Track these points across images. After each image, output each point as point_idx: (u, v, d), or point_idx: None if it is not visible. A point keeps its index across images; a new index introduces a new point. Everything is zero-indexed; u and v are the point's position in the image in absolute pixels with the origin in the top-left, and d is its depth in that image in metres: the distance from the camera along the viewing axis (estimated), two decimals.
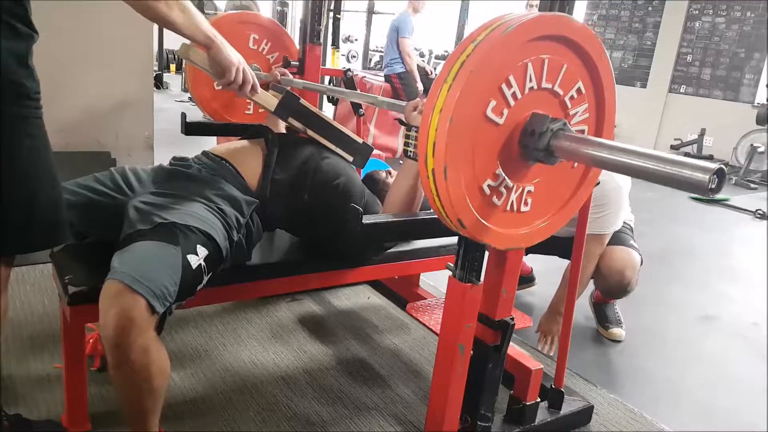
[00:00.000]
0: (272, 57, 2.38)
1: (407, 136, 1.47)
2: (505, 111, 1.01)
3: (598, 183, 1.31)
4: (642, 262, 2.20)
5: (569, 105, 1.10)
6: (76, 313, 1.35)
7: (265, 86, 1.98)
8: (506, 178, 1.06)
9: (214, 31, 1.43)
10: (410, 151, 1.46)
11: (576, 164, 1.18)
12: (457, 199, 0.99)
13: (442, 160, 0.95)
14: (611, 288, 2.22)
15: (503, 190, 1.07)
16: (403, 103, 1.55)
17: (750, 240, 4.40)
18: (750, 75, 7.49)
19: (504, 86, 0.99)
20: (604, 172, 1.95)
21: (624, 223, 2.22)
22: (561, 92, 1.08)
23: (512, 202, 1.09)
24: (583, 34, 1.06)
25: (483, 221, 1.05)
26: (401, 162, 1.58)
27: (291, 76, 2.06)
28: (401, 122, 1.54)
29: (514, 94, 1.00)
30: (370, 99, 1.89)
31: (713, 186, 0.82)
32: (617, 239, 2.15)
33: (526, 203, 1.12)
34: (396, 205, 1.59)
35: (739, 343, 2.52)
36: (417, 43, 11.08)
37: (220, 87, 1.56)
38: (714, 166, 0.82)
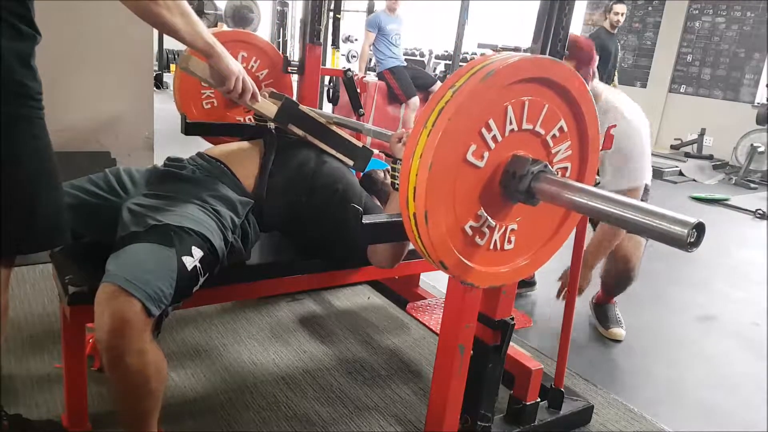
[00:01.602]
0: (261, 75, 2.38)
1: (393, 169, 1.46)
2: (486, 154, 1.00)
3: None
4: (647, 241, 2.20)
5: (551, 144, 1.10)
6: (76, 313, 1.35)
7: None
8: (488, 218, 1.06)
9: (214, 39, 1.43)
10: (397, 184, 1.46)
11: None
12: (438, 242, 0.99)
13: (423, 206, 0.95)
14: (618, 275, 2.23)
15: (486, 230, 1.06)
16: (389, 133, 1.54)
17: (750, 240, 4.40)
18: (750, 75, 7.49)
19: (484, 130, 0.99)
20: (610, 116, 1.88)
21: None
22: (542, 132, 1.07)
23: (495, 240, 1.09)
24: (565, 74, 1.05)
25: (465, 261, 1.05)
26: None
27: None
28: (387, 154, 1.53)
29: (494, 137, 1.00)
30: (357, 126, 1.89)
31: (692, 240, 0.81)
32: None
33: (509, 241, 1.11)
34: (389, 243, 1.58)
35: (739, 343, 2.52)
36: (416, 43, 11.10)
37: (219, 94, 1.55)
38: (693, 220, 0.81)
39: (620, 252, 2.18)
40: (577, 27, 9.00)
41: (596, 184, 1.52)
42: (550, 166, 1.04)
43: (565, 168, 1.15)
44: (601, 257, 2.15)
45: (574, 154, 1.15)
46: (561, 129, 1.10)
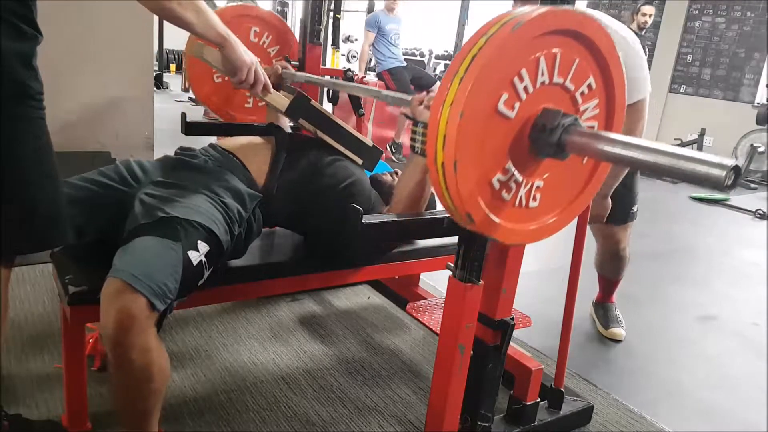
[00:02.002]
0: (273, 51, 2.37)
1: (413, 131, 1.45)
2: (517, 105, 0.99)
3: None
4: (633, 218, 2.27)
5: (580, 101, 1.09)
6: (76, 313, 1.35)
7: None
8: (516, 172, 1.05)
9: (227, 30, 1.43)
10: (417, 147, 1.45)
11: (585, 160, 1.17)
12: (466, 193, 0.98)
13: (452, 155, 0.93)
14: (611, 256, 2.27)
15: (512, 185, 1.05)
16: (408, 97, 1.53)
17: (750, 240, 4.40)
18: (750, 75, 7.49)
19: (516, 79, 0.97)
20: (617, 37, 1.88)
21: None
22: (572, 87, 1.07)
23: (521, 197, 1.08)
24: (595, 29, 1.05)
25: (492, 216, 1.04)
26: (394, 159, 1.57)
27: (292, 69, 2.05)
28: (407, 117, 1.52)
29: (525, 88, 0.99)
30: (373, 93, 1.88)
31: (729, 183, 0.81)
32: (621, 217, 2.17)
33: (534, 199, 1.10)
34: (404, 201, 1.57)
35: (739, 343, 2.52)
36: (416, 43, 11.10)
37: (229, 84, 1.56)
38: (730, 162, 0.80)
39: (608, 232, 2.24)
40: None
41: None
42: (580, 120, 1.03)
43: (592, 126, 1.14)
44: (615, 181, 2.09)
45: (601, 114, 1.14)
46: (590, 86, 1.09)
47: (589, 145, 0.98)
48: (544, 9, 0.97)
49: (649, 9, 5.43)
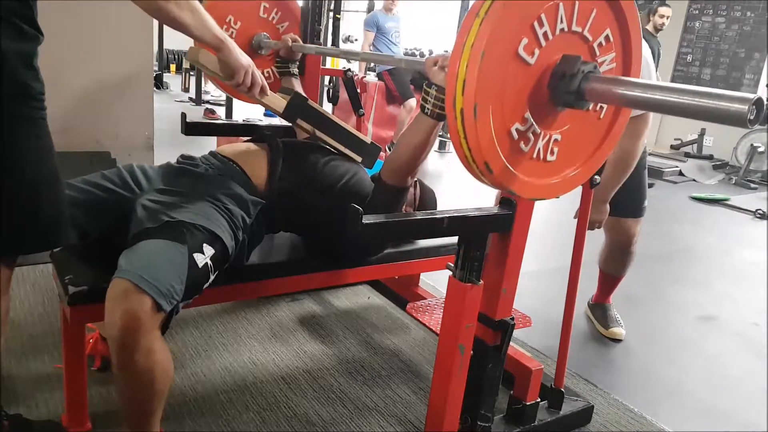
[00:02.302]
0: (282, 27, 2.37)
1: (425, 92, 1.44)
2: (536, 51, 0.98)
3: None
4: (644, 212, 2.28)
5: (597, 52, 1.08)
6: (76, 313, 1.35)
7: (275, 54, 2.03)
8: (534, 123, 1.03)
9: (223, 34, 1.43)
10: (427, 108, 1.44)
11: (603, 114, 1.16)
12: (485, 141, 0.96)
13: (472, 99, 0.91)
14: (620, 248, 2.28)
15: (531, 136, 1.04)
16: (422, 60, 1.52)
17: (750, 240, 4.40)
18: (750, 75, 7.49)
19: (536, 24, 0.96)
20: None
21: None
22: (590, 38, 1.05)
23: (539, 149, 1.06)
24: None
25: (510, 167, 1.02)
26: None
27: (301, 42, 2.04)
28: (413, 82, 1.51)
29: (545, 34, 0.98)
30: (386, 58, 1.86)
31: (752, 117, 0.80)
32: (626, 210, 2.18)
33: (552, 152, 1.09)
34: (403, 155, 1.55)
35: (739, 343, 2.52)
36: (416, 43, 11.09)
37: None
38: (752, 96, 0.79)
39: (620, 226, 2.23)
40: None
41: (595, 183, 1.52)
42: (598, 68, 1.02)
43: None
44: (616, 186, 2.06)
45: (618, 68, 1.13)
46: (607, 38, 1.08)
47: (609, 91, 0.96)
48: None
49: (666, 10, 5.37)
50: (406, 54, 7.66)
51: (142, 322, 1.12)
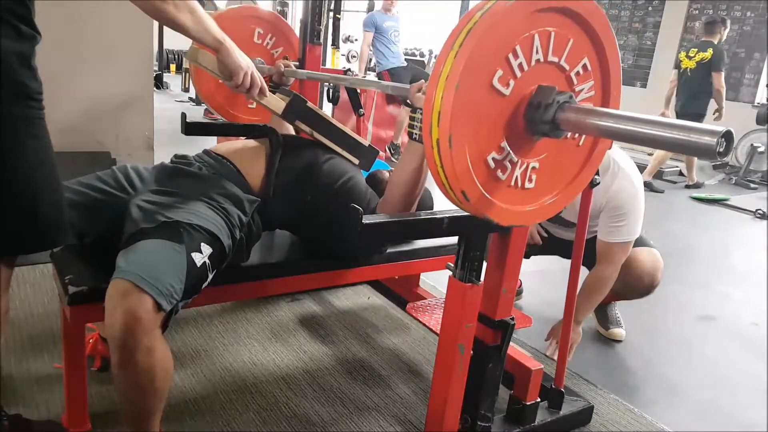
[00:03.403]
0: (276, 52, 2.39)
1: (412, 119, 1.45)
2: (512, 82, 0.99)
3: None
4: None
5: (575, 81, 1.09)
6: (76, 313, 1.35)
7: (268, 79, 2.00)
8: (511, 152, 1.04)
9: (222, 34, 1.43)
10: (415, 133, 1.45)
11: (581, 142, 1.17)
12: (461, 170, 0.97)
13: (447, 129, 0.93)
14: (641, 289, 2.21)
15: (507, 164, 1.05)
16: (407, 86, 1.54)
17: (750, 240, 4.40)
18: (750, 75, 7.49)
19: (510, 56, 0.97)
20: (620, 178, 1.96)
21: None
22: (567, 67, 1.06)
23: (516, 177, 1.07)
24: (591, 9, 1.04)
25: (487, 195, 1.03)
26: (394, 159, 1.57)
27: (294, 68, 2.06)
28: (407, 103, 1.53)
29: (520, 65, 0.99)
30: (374, 84, 1.89)
31: (721, 150, 0.81)
32: (638, 240, 2.13)
33: (530, 180, 1.10)
34: (400, 186, 1.56)
35: (739, 343, 2.52)
36: (416, 43, 11.09)
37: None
38: (721, 129, 0.81)
39: (644, 270, 2.15)
40: None
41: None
42: (574, 98, 1.03)
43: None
44: (590, 310, 2.16)
45: (597, 96, 1.14)
46: (585, 67, 1.09)
47: (583, 122, 0.98)
48: None
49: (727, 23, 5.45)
50: (405, 54, 7.65)
51: (143, 321, 1.12)
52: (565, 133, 1.04)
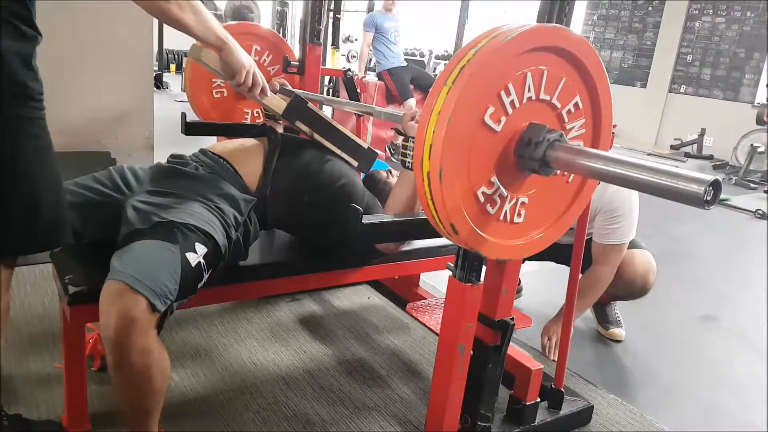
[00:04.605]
0: (273, 69, 2.39)
1: (404, 147, 1.47)
2: (503, 119, 1.01)
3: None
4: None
5: (566, 119, 1.11)
6: (76, 313, 1.35)
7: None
8: (501, 186, 1.06)
9: (225, 33, 1.43)
10: (408, 162, 1.46)
11: (571, 179, 1.19)
12: (451, 204, 0.99)
13: (438, 163, 0.95)
14: (635, 292, 2.22)
15: (497, 199, 1.07)
16: (401, 113, 1.55)
17: (750, 240, 4.40)
18: (750, 75, 7.49)
19: (503, 93, 0.99)
20: (624, 190, 1.97)
21: None
22: (559, 105, 1.08)
23: (506, 212, 1.09)
24: (583, 49, 1.06)
25: (476, 229, 1.05)
26: (393, 159, 1.58)
27: (289, 86, 2.07)
28: (398, 131, 1.54)
29: (512, 103, 1.01)
30: (367, 109, 1.91)
31: (708, 198, 0.82)
32: (631, 242, 2.15)
33: (519, 214, 1.12)
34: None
35: (739, 343, 2.52)
36: (416, 43, 11.09)
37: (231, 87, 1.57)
38: (709, 177, 0.82)
39: (638, 272, 2.16)
40: (577, 27, 9.01)
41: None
42: (565, 136, 1.04)
43: (578, 145, 1.15)
44: (583, 310, 2.19)
45: (588, 133, 1.15)
46: (576, 105, 1.10)
47: (573, 161, 0.99)
48: (534, 24, 0.98)
49: None
50: (405, 54, 7.65)
51: (138, 322, 1.12)
52: (554, 170, 1.05)
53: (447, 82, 0.95)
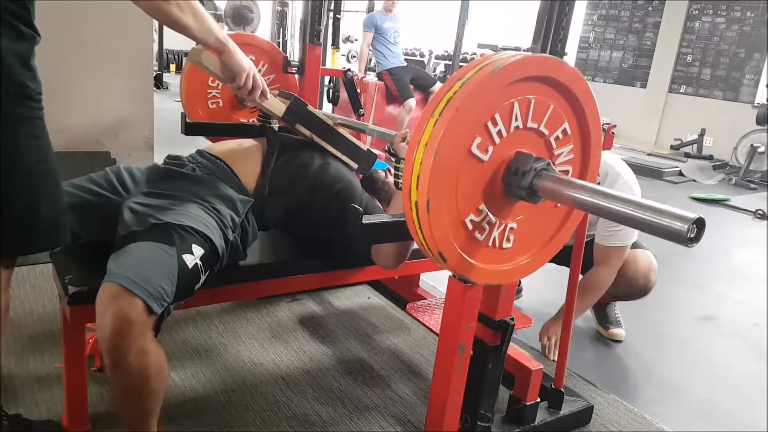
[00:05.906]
0: (269, 78, 2.40)
1: (396, 168, 1.48)
2: (490, 148, 1.02)
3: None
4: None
5: (554, 145, 1.11)
6: (76, 313, 1.35)
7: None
8: (489, 214, 1.06)
9: (225, 36, 1.43)
10: (400, 183, 1.47)
11: (559, 204, 1.19)
12: (439, 233, 1.00)
13: (425, 194, 0.96)
14: (636, 291, 2.22)
15: (486, 225, 1.07)
16: (393, 133, 1.55)
17: (750, 240, 4.40)
18: (750, 75, 7.49)
19: (489, 124, 1.00)
20: (619, 184, 1.98)
21: None
22: (546, 132, 1.09)
23: (494, 238, 1.10)
24: (571, 77, 1.06)
25: (465, 256, 1.05)
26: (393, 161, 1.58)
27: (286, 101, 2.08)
28: (390, 153, 1.55)
29: (499, 132, 1.01)
30: (361, 126, 1.91)
31: (692, 236, 0.82)
32: (633, 243, 2.15)
33: (508, 240, 1.12)
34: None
35: (739, 343, 2.52)
36: (416, 43, 11.09)
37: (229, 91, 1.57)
38: (693, 216, 0.82)
39: (639, 272, 2.16)
40: (577, 27, 9.01)
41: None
42: (552, 165, 1.05)
43: (566, 171, 1.16)
44: (583, 311, 2.20)
45: (576, 158, 1.16)
46: (564, 131, 1.11)
47: (560, 191, 1.00)
48: (521, 55, 0.98)
49: None
50: (405, 54, 7.66)
51: (134, 324, 1.12)
52: (541, 198, 1.05)
53: (434, 114, 0.96)
